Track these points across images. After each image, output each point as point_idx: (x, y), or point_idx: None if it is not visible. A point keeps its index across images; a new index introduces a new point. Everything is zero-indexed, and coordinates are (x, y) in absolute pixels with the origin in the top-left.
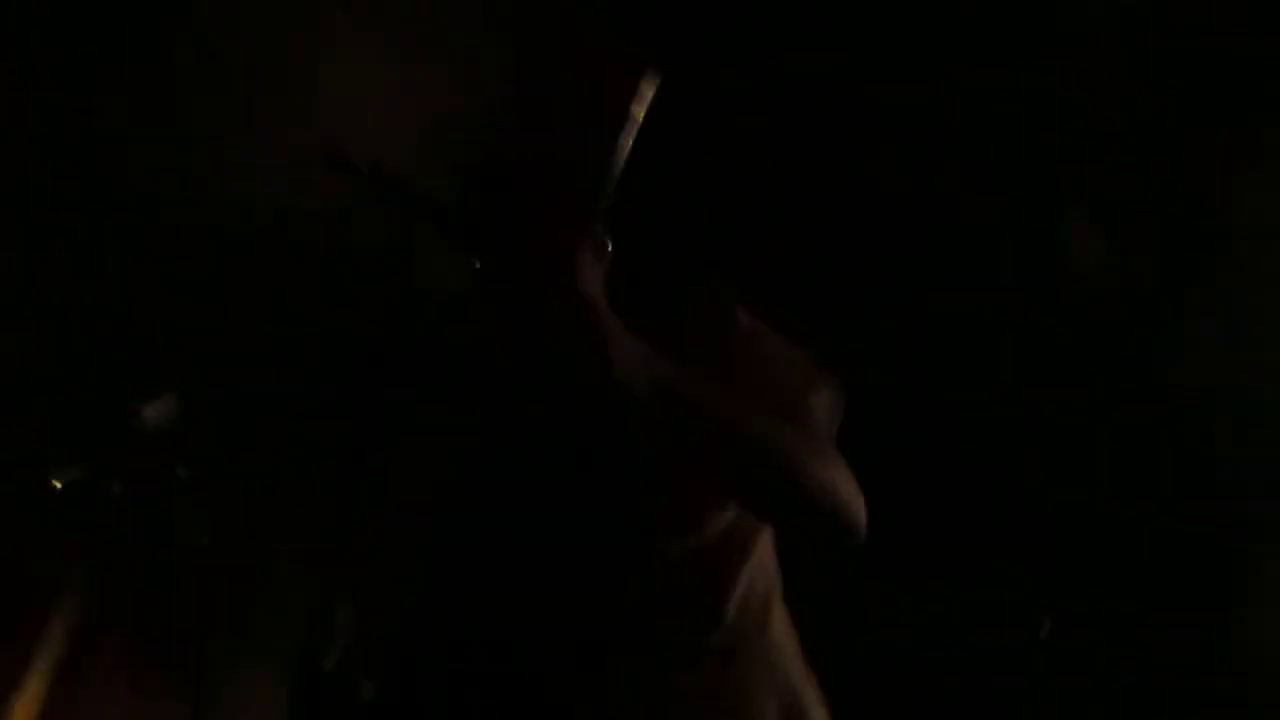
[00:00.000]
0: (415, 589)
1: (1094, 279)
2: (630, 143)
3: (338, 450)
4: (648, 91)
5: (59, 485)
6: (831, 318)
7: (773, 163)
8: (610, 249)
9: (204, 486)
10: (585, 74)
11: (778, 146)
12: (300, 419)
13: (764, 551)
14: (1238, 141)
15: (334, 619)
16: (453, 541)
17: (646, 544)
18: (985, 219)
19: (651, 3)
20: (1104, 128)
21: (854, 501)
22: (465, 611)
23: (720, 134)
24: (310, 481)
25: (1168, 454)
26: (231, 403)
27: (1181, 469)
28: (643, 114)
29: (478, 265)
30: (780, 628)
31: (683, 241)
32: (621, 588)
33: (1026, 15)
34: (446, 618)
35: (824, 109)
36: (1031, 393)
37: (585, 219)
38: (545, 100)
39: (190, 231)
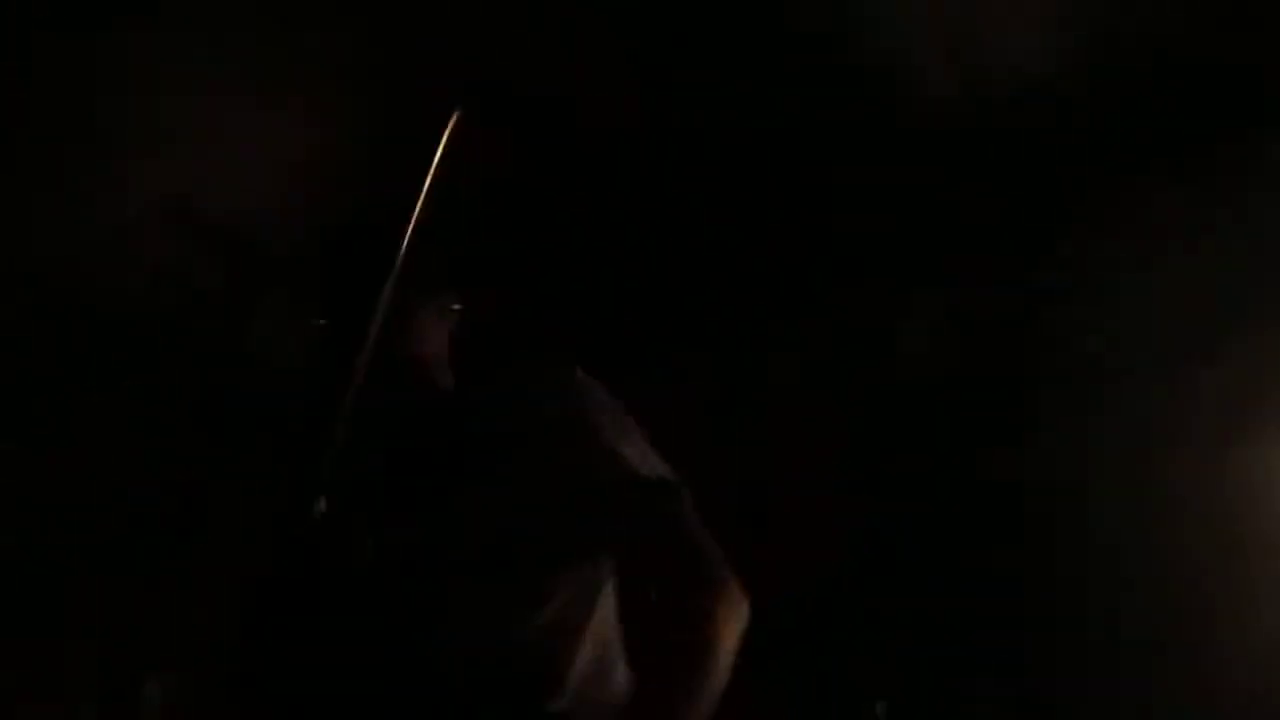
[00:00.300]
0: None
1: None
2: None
3: (172, 506)
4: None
5: None
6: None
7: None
8: (457, 308)
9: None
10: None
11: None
12: (128, 480)
13: (603, 616)
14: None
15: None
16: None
17: (492, 623)
18: (825, 301)
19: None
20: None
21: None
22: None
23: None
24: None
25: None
26: (62, 471)
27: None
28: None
29: (321, 323)
30: (620, 687)
31: (531, 299)
32: (467, 664)
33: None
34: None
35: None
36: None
37: (429, 274)
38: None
39: (38, 290)
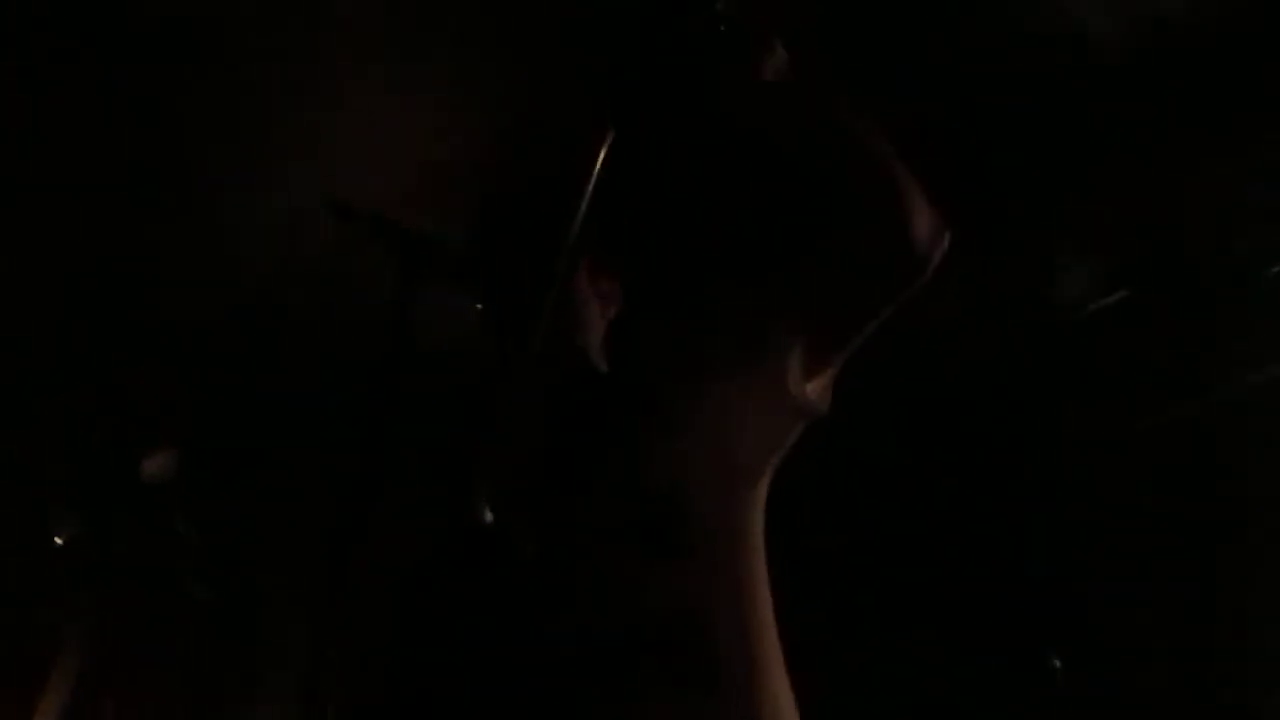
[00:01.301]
0: (396, 645)
1: None
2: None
3: (336, 504)
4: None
5: (61, 541)
6: None
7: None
8: (619, 293)
9: (205, 541)
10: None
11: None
12: (299, 473)
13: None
14: None
15: (330, 672)
16: (432, 603)
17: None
18: None
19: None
20: None
21: (937, 238)
22: (442, 671)
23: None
24: (309, 535)
25: None
26: (232, 458)
27: None
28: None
29: (480, 307)
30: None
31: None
32: (628, 634)
33: None
34: (426, 677)
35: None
36: None
37: (580, 262)
38: (532, 145)
39: (192, 287)
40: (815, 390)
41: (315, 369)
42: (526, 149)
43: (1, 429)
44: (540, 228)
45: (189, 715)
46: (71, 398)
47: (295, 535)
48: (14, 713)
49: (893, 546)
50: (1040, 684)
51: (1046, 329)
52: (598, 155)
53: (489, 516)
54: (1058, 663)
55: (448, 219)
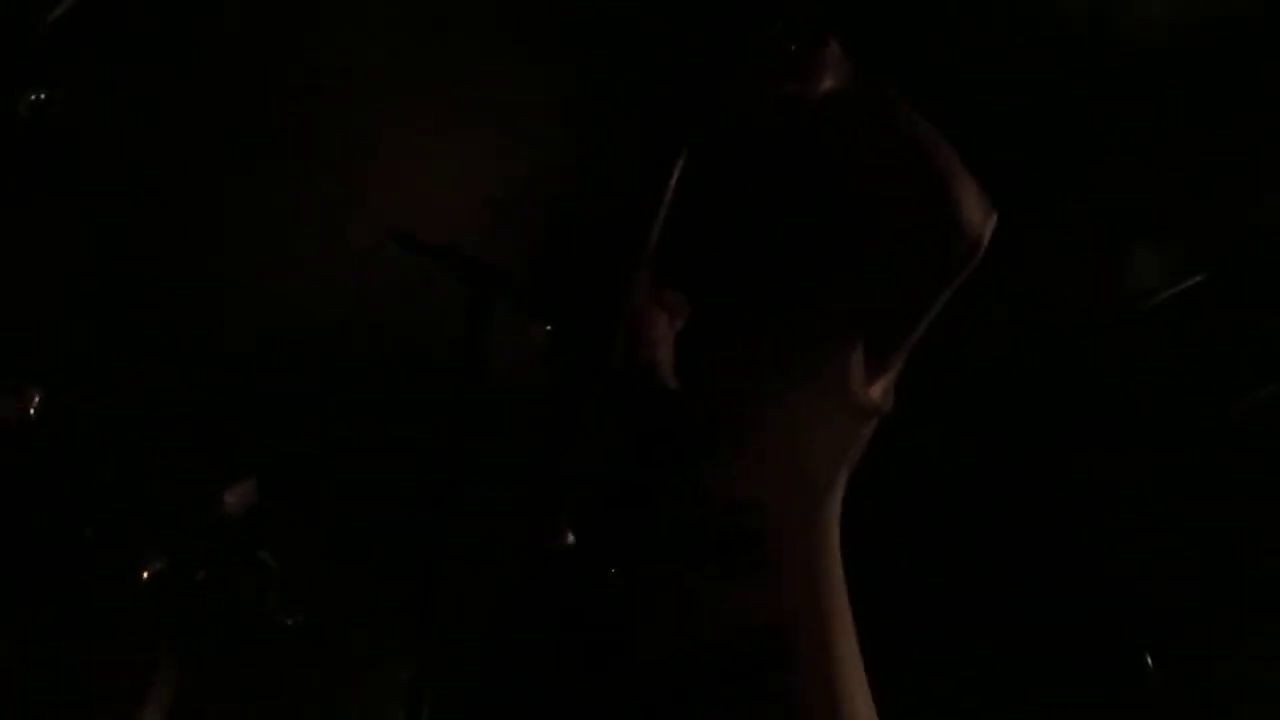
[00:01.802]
0: (484, 669)
1: None
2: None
3: (418, 529)
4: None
5: (146, 574)
6: None
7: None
8: (684, 305)
9: (287, 569)
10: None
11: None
12: (378, 502)
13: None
14: None
15: (422, 694)
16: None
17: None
18: None
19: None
20: None
21: (986, 217)
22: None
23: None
24: (391, 560)
25: None
26: (311, 488)
27: None
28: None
29: (549, 329)
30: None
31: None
32: (702, 648)
33: None
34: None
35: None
36: None
37: (647, 282)
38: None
39: (267, 322)
40: (878, 392)
41: (391, 398)
42: (588, 173)
43: (81, 463)
44: (604, 248)
45: None
46: (150, 435)
47: (380, 562)
48: None
49: (965, 545)
50: (1128, 684)
51: (1118, 317)
52: (670, 176)
53: (570, 539)
54: (1150, 660)
55: (512, 246)
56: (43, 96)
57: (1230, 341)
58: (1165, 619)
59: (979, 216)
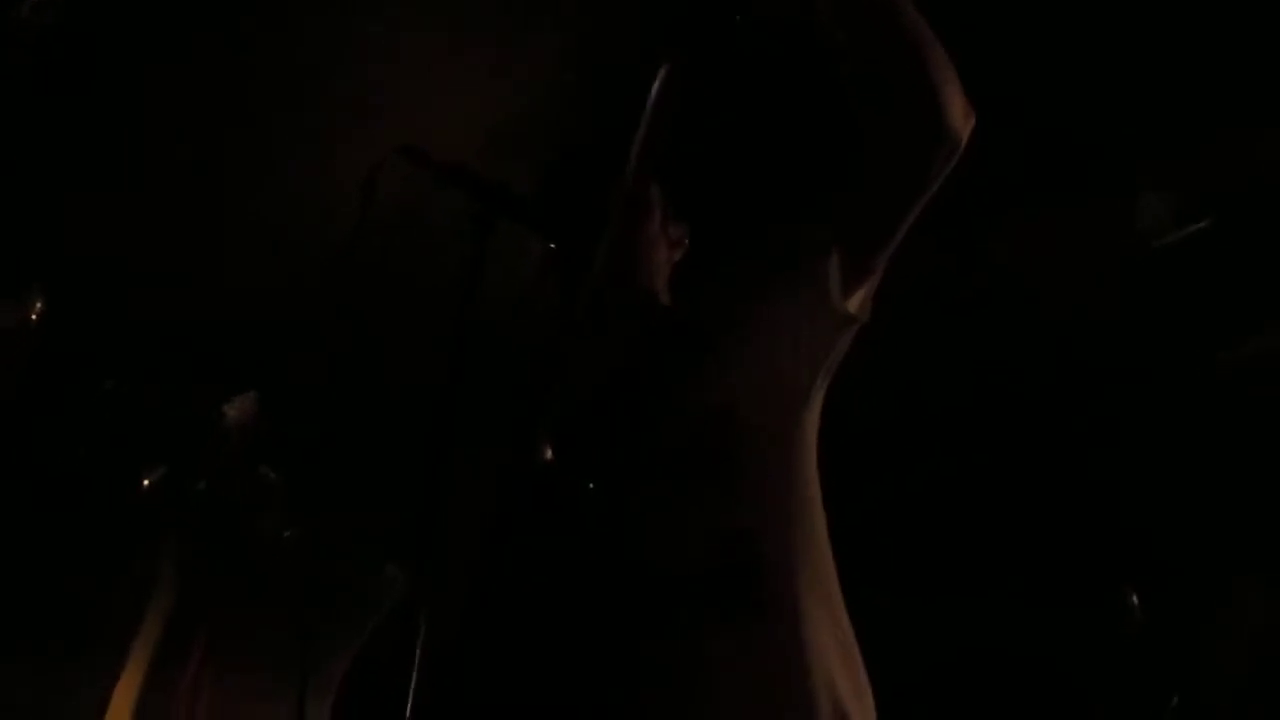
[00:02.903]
0: (480, 582)
1: None
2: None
3: (417, 445)
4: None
5: (147, 483)
6: None
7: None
8: (686, 237)
9: (286, 481)
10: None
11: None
12: (379, 416)
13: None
14: None
15: (419, 607)
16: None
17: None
18: None
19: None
20: None
21: (967, 119)
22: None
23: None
24: (390, 475)
25: None
26: (312, 400)
27: None
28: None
29: (553, 247)
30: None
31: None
32: (689, 560)
33: None
34: (508, 611)
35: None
36: None
37: (649, 203)
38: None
39: (268, 234)
40: (857, 302)
41: (391, 315)
42: (589, 98)
43: (83, 383)
44: (605, 171)
45: (279, 646)
46: (152, 347)
47: (377, 475)
48: (108, 655)
49: (968, 487)
50: (1118, 625)
51: (1126, 261)
52: (652, 88)
53: (549, 455)
54: (1136, 600)
55: (514, 169)
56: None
57: (1232, 287)
58: (1154, 562)
59: (961, 117)
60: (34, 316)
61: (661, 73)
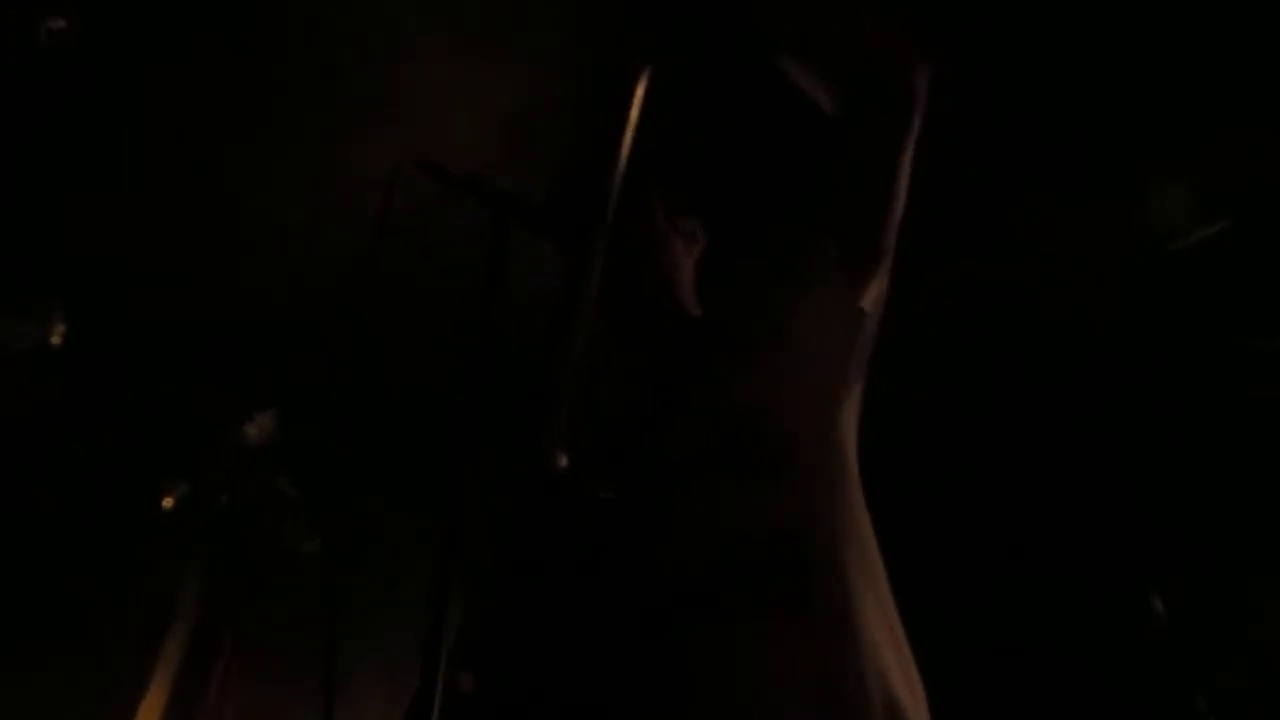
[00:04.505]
0: (508, 581)
1: None
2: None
3: (439, 455)
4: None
5: (169, 502)
6: None
7: None
8: (701, 236)
9: (308, 496)
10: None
11: None
12: (399, 427)
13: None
14: None
15: (445, 614)
16: (537, 536)
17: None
18: None
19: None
20: None
21: (915, 66)
22: (553, 599)
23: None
24: (413, 485)
25: None
26: (330, 415)
27: None
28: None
29: (567, 255)
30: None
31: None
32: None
33: None
34: (536, 607)
35: None
36: None
37: (665, 208)
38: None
39: (289, 250)
40: (871, 298)
41: (408, 324)
42: (600, 93)
43: (106, 398)
44: (618, 170)
45: (303, 658)
46: (171, 364)
47: (397, 486)
48: (133, 672)
49: (989, 487)
50: (1142, 626)
51: (1145, 260)
52: (636, 90)
53: (564, 462)
54: (1159, 601)
55: (526, 173)
56: (61, 24)
57: (1253, 286)
58: (1176, 561)
59: (904, 64)
60: (54, 338)
61: (644, 73)
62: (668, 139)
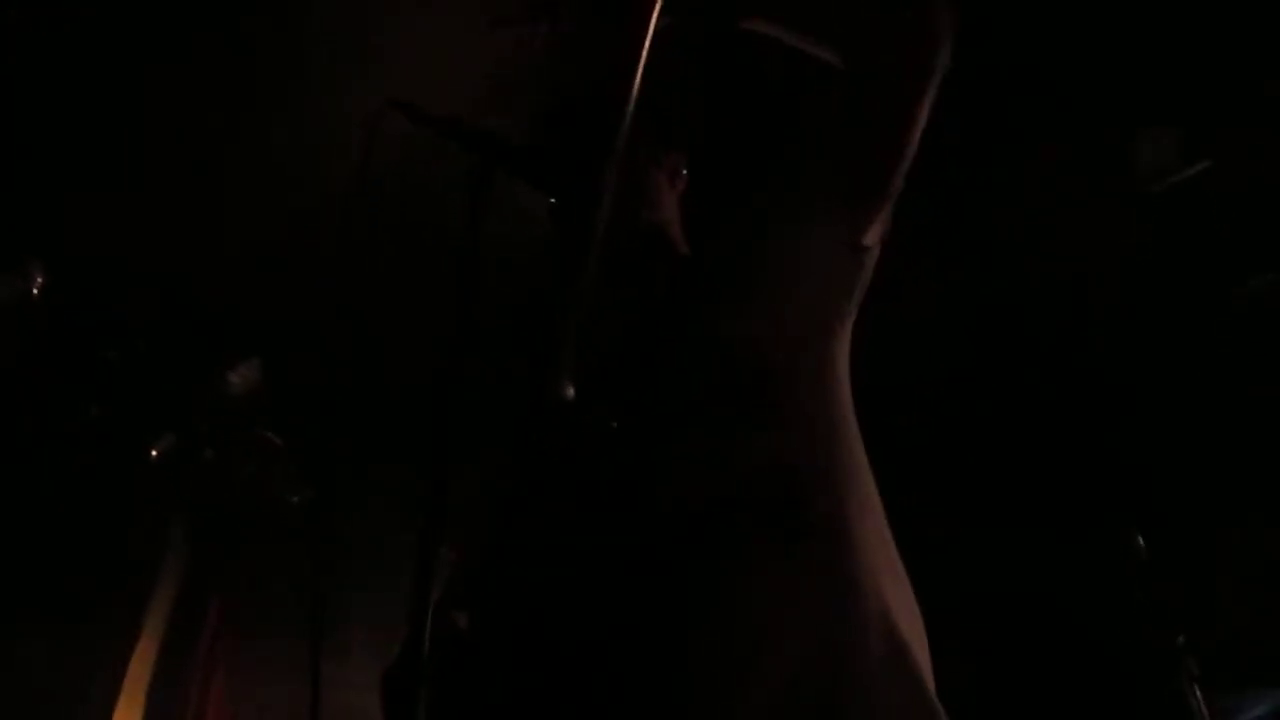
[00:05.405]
0: (501, 523)
1: None
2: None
3: (424, 407)
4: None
5: (155, 453)
6: None
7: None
8: (685, 174)
9: (293, 446)
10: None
11: None
12: (384, 377)
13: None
14: None
15: (435, 559)
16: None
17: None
18: None
19: None
20: None
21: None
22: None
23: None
24: (399, 436)
25: None
26: (316, 365)
27: None
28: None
29: (553, 201)
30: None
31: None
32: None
33: None
34: (530, 545)
35: None
36: None
37: (651, 149)
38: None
39: (269, 198)
40: (873, 236)
41: (393, 271)
42: (586, 50)
43: (90, 351)
44: (604, 121)
45: (291, 610)
46: (156, 315)
47: (384, 434)
48: (120, 626)
49: (970, 429)
50: (1122, 563)
51: (1127, 201)
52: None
53: (570, 394)
54: (1140, 538)
55: (511, 122)
56: None
57: (1235, 227)
58: (1157, 499)
59: (941, 21)
60: (34, 290)
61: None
62: (663, 76)
